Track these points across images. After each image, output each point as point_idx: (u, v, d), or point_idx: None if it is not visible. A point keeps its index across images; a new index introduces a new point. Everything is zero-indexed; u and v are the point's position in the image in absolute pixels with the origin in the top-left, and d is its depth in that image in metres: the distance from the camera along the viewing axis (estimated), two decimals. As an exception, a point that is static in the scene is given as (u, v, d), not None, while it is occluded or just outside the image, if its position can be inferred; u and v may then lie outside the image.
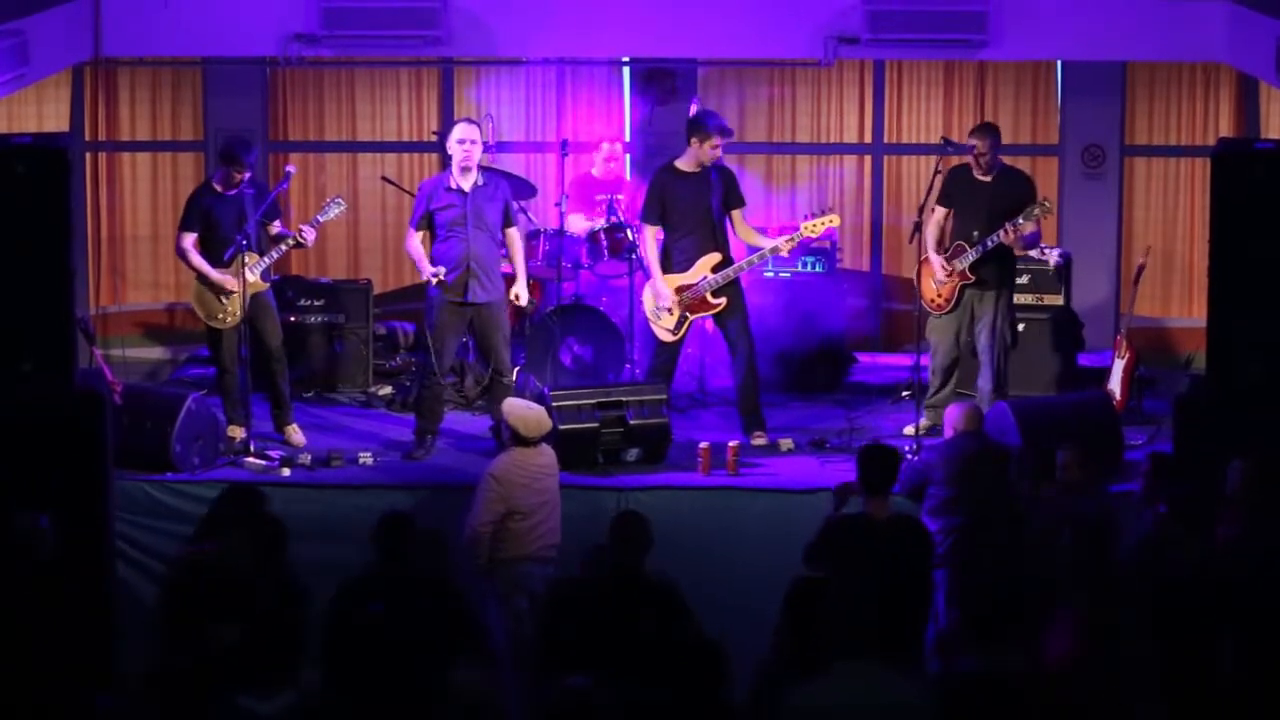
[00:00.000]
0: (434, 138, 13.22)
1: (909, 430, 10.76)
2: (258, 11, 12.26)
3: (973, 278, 10.67)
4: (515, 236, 10.66)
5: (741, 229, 10.65)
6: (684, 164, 10.61)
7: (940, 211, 10.86)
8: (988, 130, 10.85)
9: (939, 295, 10.77)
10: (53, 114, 13.30)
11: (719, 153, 10.54)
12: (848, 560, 7.77)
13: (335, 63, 13.35)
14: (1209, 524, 7.82)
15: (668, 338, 10.71)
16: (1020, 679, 6.26)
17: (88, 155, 13.48)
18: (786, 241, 10.51)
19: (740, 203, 10.67)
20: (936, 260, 10.71)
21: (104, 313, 13.37)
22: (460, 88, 13.76)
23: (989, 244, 10.56)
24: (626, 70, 13.53)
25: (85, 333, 10.07)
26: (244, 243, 10.40)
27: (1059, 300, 11.97)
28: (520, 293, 10.54)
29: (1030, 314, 11.87)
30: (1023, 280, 11.90)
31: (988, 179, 10.73)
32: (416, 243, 10.53)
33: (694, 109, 12.09)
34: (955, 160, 11.04)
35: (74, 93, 13.38)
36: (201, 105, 13.73)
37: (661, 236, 10.75)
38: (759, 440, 10.65)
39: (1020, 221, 10.51)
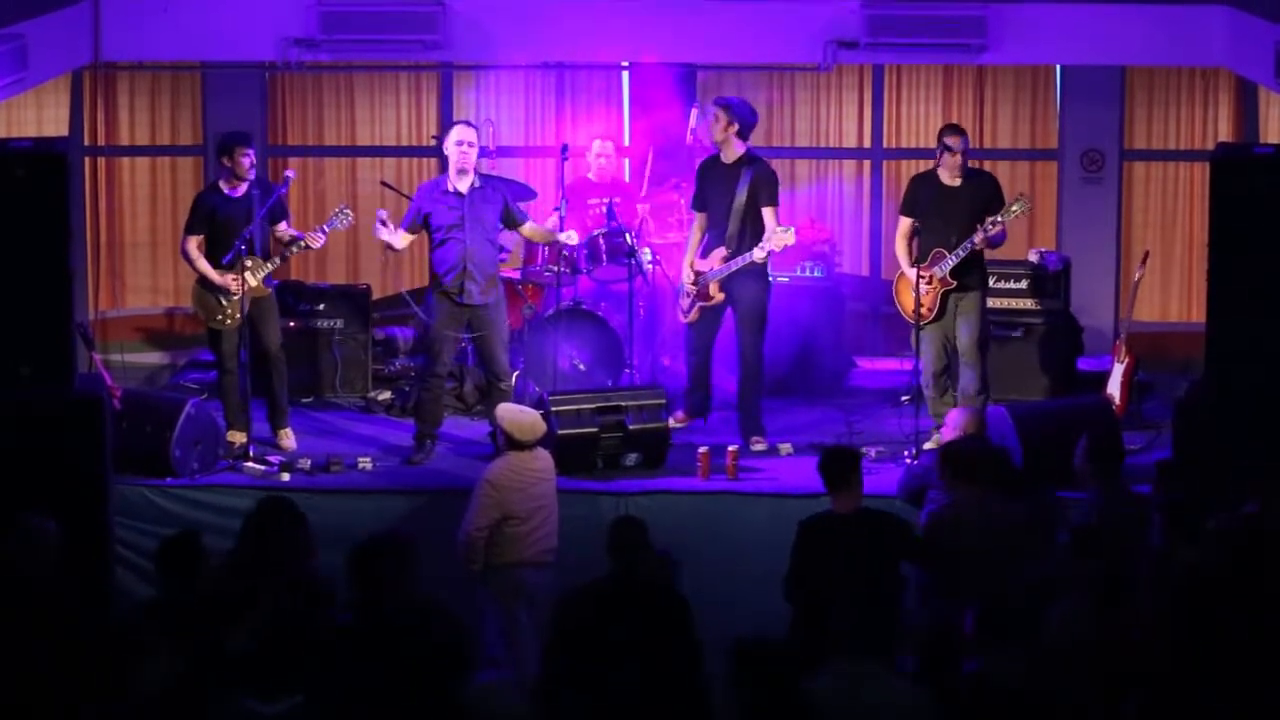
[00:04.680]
0: (433, 142, 13.21)
1: (929, 445, 10.52)
2: (256, 16, 12.25)
3: (954, 282, 10.60)
4: (531, 226, 10.74)
5: (769, 228, 10.57)
6: (723, 155, 10.67)
7: (907, 223, 10.76)
8: (962, 131, 10.82)
9: (922, 305, 10.63)
10: (52, 118, 13.30)
11: (716, 131, 10.60)
12: (820, 560, 7.80)
13: (334, 67, 13.35)
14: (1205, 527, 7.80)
15: (681, 318, 10.92)
16: (1020, 679, 6.27)
17: (87, 160, 13.47)
18: (759, 250, 10.49)
19: (768, 202, 10.61)
20: (913, 273, 10.58)
21: (103, 317, 13.35)
22: (459, 92, 13.76)
23: (969, 246, 10.52)
24: (625, 75, 13.53)
25: (84, 337, 10.07)
26: (242, 247, 10.39)
27: (1058, 305, 11.96)
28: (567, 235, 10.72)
29: (1029, 318, 11.87)
30: (1022, 285, 11.90)
31: (957, 183, 10.66)
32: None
33: (693, 115, 12.13)
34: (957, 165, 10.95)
35: (73, 97, 13.38)
36: (200, 110, 13.73)
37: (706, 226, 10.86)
38: (758, 445, 10.65)
39: (1000, 219, 10.47)
